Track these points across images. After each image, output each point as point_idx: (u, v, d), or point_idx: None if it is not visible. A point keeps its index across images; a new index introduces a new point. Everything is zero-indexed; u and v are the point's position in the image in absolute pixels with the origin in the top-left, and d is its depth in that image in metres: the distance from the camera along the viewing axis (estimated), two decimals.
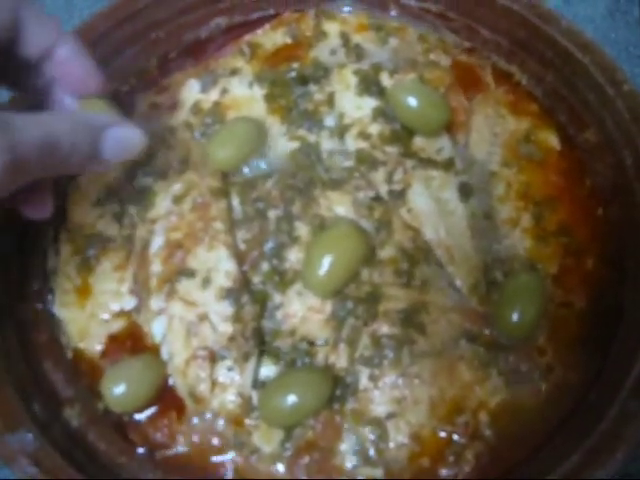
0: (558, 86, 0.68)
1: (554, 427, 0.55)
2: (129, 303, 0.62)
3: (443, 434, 0.55)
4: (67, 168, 0.49)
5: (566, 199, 0.64)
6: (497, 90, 0.70)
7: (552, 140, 0.67)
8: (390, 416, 0.55)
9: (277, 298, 0.58)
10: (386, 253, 0.59)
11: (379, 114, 0.65)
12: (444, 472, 0.54)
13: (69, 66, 0.55)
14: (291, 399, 0.54)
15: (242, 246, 0.60)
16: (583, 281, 0.61)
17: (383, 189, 0.62)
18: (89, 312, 0.62)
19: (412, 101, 0.62)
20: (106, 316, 0.62)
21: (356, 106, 0.66)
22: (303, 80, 0.68)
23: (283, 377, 0.56)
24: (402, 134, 0.64)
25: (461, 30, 0.72)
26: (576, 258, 0.62)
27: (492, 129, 0.67)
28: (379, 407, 0.55)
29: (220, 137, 0.64)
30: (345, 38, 0.72)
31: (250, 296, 0.58)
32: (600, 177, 0.64)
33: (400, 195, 0.61)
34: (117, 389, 0.57)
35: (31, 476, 0.51)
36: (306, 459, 0.56)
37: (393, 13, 0.74)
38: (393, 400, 0.55)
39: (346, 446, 0.55)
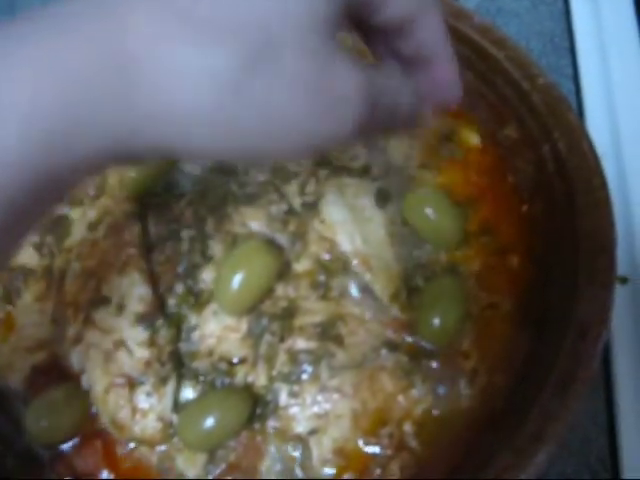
0: (477, 83, 0.67)
1: (481, 431, 0.54)
2: (50, 333, 0.61)
3: (368, 448, 0.54)
4: None
5: (489, 198, 0.63)
6: None
7: (473, 138, 0.66)
8: (312, 432, 0.54)
9: (193, 319, 0.58)
10: (301, 266, 0.58)
11: None
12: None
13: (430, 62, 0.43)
14: (210, 421, 0.53)
15: (157, 268, 0.60)
16: (509, 281, 0.60)
17: (296, 202, 0.61)
18: (13, 345, 0.61)
19: None
20: (29, 347, 0.61)
21: None
22: None
23: (201, 399, 0.55)
24: None
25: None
26: (501, 258, 0.61)
27: (411, 132, 0.66)
28: (300, 424, 0.54)
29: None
30: None
31: (165, 319, 0.57)
32: (522, 173, 0.63)
33: (313, 206, 0.60)
34: (41, 421, 0.56)
35: None
36: None
37: None
38: (314, 416, 0.54)
39: (269, 465, 0.54)
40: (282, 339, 0.56)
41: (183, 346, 0.58)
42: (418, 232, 0.60)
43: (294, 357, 0.55)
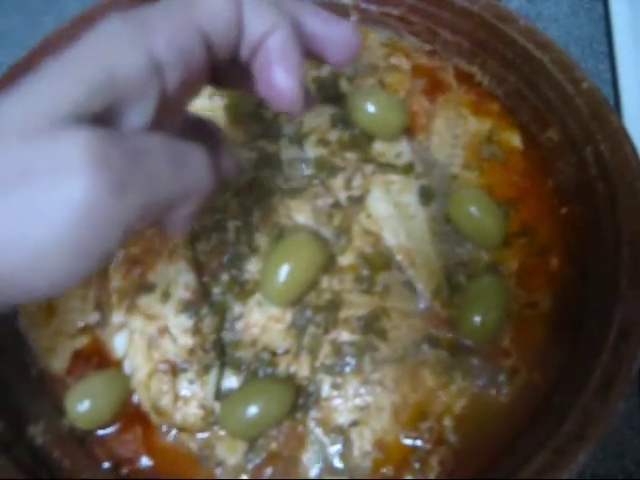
0: (519, 86, 0.67)
1: (519, 429, 0.55)
2: (93, 319, 0.62)
3: (407, 441, 0.55)
4: None
5: (529, 199, 0.64)
6: (458, 91, 0.70)
7: (515, 140, 0.67)
8: (353, 424, 0.55)
9: (237, 309, 0.58)
10: (346, 260, 0.59)
11: (338, 120, 0.64)
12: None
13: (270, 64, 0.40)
14: (253, 410, 0.54)
15: (202, 258, 0.60)
16: (548, 281, 0.60)
17: (342, 195, 0.62)
18: (54, 329, 0.62)
19: (370, 107, 0.62)
20: (71, 333, 0.62)
21: (314, 113, 0.66)
22: None
23: (244, 388, 0.56)
24: (361, 140, 0.64)
25: (422, 33, 0.72)
26: (540, 258, 0.61)
27: (453, 131, 0.66)
28: (342, 415, 0.55)
29: None
30: None
31: (210, 308, 0.58)
32: (563, 176, 0.64)
33: (359, 201, 0.61)
34: (81, 406, 0.57)
35: None
36: (270, 470, 0.55)
37: (353, 18, 0.74)
38: (356, 408, 0.55)
39: (310, 456, 0.55)
40: (326, 331, 0.56)
41: (226, 335, 0.58)
42: (461, 230, 0.61)
43: (338, 349, 0.56)
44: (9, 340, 0.61)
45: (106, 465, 0.57)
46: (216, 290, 0.59)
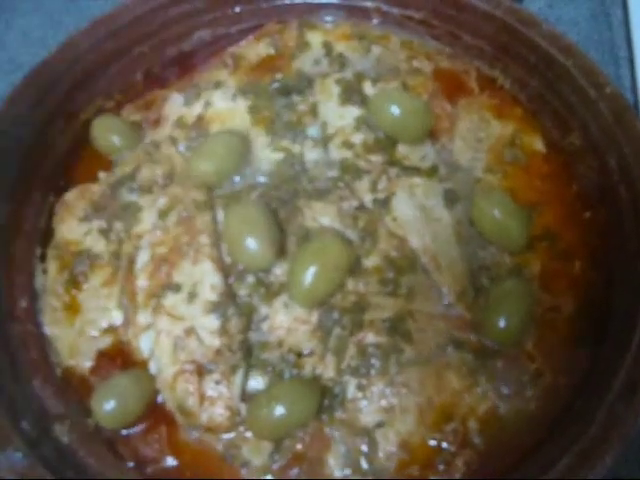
0: (542, 90, 0.68)
1: (544, 432, 0.55)
2: (117, 319, 0.62)
3: (432, 442, 0.55)
4: None
5: (551, 203, 0.64)
6: (481, 95, 0.70)
7: (537, 144, 0.67)
8: (379, 425, 0.55)
9: (263, 310, 0.58)
10: (371, 262, 0.59)
11: (362, 123, 0.65)
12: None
13: None
14: (279, 411, 0.54)
15: (228, 259, 0.60)
16: (571, 285, 0.61)
17: (367, 198, 0.62)
18: (78, 329, 0.62)
19: (394, 109, 0.62)
20: (95, 333, 0.62)
21: (339, 115, 0.66)
22: (286, 91, 0.69)
23: (271, 389, 0.56)
24: (385, 142, 0.64)
25: (443, 36, 0.73)
26: (563, 262, 0.62)
27: (476, 135, 0.67)
28: (367, 417, 0.55)
29: (203, 151, 0.64)
30: (328, 48, 0.73)
31: (236, 309, 0.58)
32: (586, 180, 0.64)
33: (384, 203, 0.61)
34: (107, 405, 0.57)
35: None
36: (295, 470, 0.56)
37: (375, 21, 0.74)
38: (381, 409, 0.55)
39: (335, 456, 0.55)
40: (352, 333, 0.57)
41: (253, 336, 0.58)
42: (485, 234, 0.61)
43: (363, 351, 0.56)
44: (32, 339, 0.62)
45: (130, 464, 0.57)
46: (242, 291, 0.59)
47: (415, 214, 0.61)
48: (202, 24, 0.75)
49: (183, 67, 0.75)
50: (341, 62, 0.71)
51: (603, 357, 0.56)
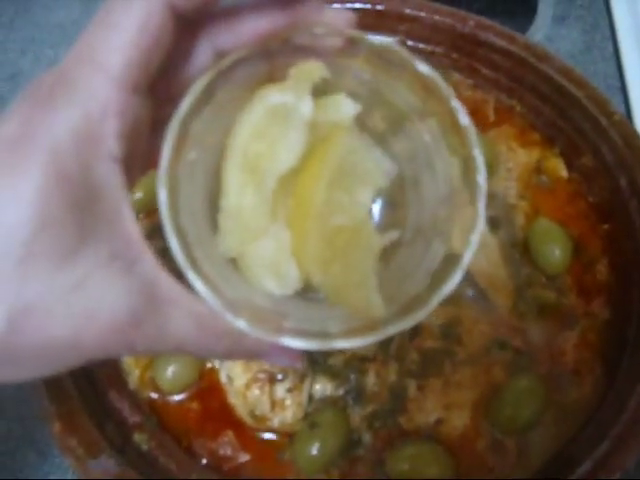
0: (555, 118, 0.76)
1: (584, 419, 0.62)
2: None
3: (485, 433, 0.61)
4: None
5: (576, 220, 0.72)
6: (504, 124, 0.77)
7: (560, 168, 0.75)
8: (438, 422, 0.61)
9: None
10: None
11: None
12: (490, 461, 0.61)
13: None
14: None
15: None
16: (599, 290, 0.68)
17: None
18: None
19: None
20: None
21: None
22: None
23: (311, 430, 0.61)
24: None
25: (464, 69, 0.80)
26: (590, 270, 0.69)
27: (506, 164, 0.74)
28: (427, 415, 0.61)
29: None
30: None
31: None
32: (599, 197, 0.72)
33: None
34: (168, 370, 0.63)
35: None
36: (358, 467, 0.61)
37: None
38: (440, 407, 0.61)
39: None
40: (411, 339, 0.63)
41: None
42: (535, 260, 0.68)
43: (422, 355, 0.62)
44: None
45: (204, 461, 0.62)
46: None
47: None
48: None
49: None
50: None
51: (633, 350, 0.63)
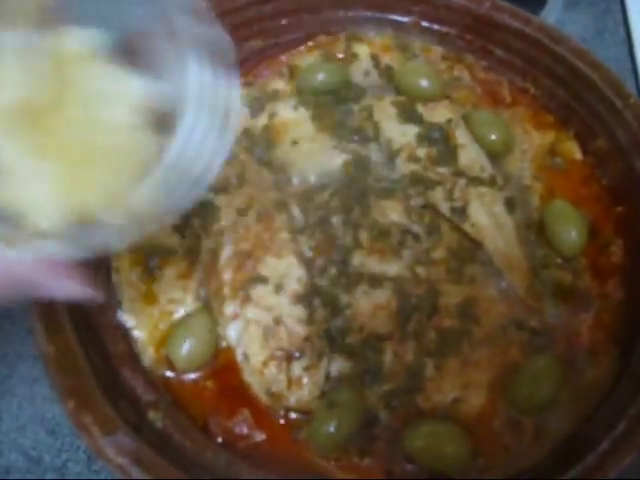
0: (569, 100, 0.76)
1: (600, 400, 0.62)
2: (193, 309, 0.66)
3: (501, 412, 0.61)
4: None
5: (590, 202, 0.72)
6: (519, 106, 0.77)
7: (575, 150, 0.75)
8: (455, 401, 0.61)
9: (344, 298, 0.63)
10: (438, 254, 0.66)
11: (423, 139, 0.71)
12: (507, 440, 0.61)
13: None
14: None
15: (308, 253, 0.65)
16: (613, 272, 0.68)
17: (444, 206, 0.68)
18: (157, 318, 0.65)
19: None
20: (172, 323, 0.65)
21: (401, 133, 0.72)
22: (343, 100, 0.74)
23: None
24: (447, 155, 0.71)
25: (478, 51, 0.80)
26: (605, 252, 0.69)
27: (520, 146, 0.74)
28: (445, 394, 0.61)
29: None
30: (375, 60, 0.78)
31: (321, 299, 0.63)
32: (614, 179, 0.72)
33: (462, 211, 0.68)
34: (184, 347, 0.62)
35: (135, 476, 0.54)
36: (377, 445, 0.60)
37: (415, 36, 0.81)
38: (457, 386, 0.61)
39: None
40: (429, 317, 0.63)
41: (335, 323, 0.63)
42: (550, 238, 0.68)
43: (440, 334, 0.62)
44: (116, 330, 0.64)
45: (220, 440, 0.61)
46: (323, 282, 0.64)
47: (488, 221, 0.67)
48: (253, 34, 0.79)
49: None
50: (389, 74, 0.77)
51: None
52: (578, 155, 0.74)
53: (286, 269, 0.63)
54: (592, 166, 0.74)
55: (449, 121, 0.72)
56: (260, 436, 0.62)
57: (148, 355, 0.64)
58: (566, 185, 0.73)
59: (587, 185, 0.73)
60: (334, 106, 0.74)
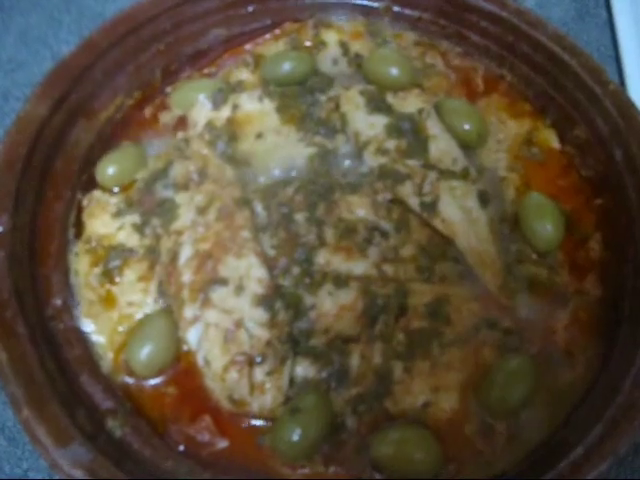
0: (547, 87, 0.73)
1: (576, 402, 0.59)
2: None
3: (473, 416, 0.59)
4: None
5: (568, 194, 0.69)
6: (494, 95, 0.74)
7: (552, 140, 0.72)
8: (425, 405, 0.58)
9: (309, 299, 0.61)
10: (407, 251, 0.63)
11: (392, 130, 0.68)
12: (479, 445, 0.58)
13: None
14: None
15: (271, 252, 0.63)
16: (591, 268, 0.66)
17: (413, 201, 0.65)
18: (116, 321, 0.63)
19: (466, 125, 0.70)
20: (132, 326, 0.63)
21: (369, 124, 0.69)
22: (310, 90, 0.71)
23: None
24: (418, 147, 0.68)
25: (452, 36, 0.76)
26: (583, 247, 0.67)
27: (496, 136, 0.72)
28: (414, 398, 0.58)
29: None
30: (344, 47, 0.75)
31: (283, 301, 0.60)
32: (594, 170, 0.69)
33: (432, 206, 0.65)
34: (143, 350, 0.60)
35: None
36: (342, 452, 0.58)
37: (387, 21, 0.77)
38: (427, 390, 0.59)
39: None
40: (397, 319, 0.60)
41: (299, 325, 0.60)
42: (525, 232, 0.66)
43: (409, 335, 0.60)
44: (73, 335, 0.62)
45: (181, 448, 0.59)
46: (286, 283, 0.61)
47: (459, 216, 0.64)
48: (218, 22, 0.76)
49: (200, 64, 0.76)
50: (358, 62, 0.74)
51: (625, 331, 0.61)
52: (556, 144, 0.71)
53: (247, 269, 0.61)
54: (571, 156, 0.71)
55: (420, 111, 0.69)
56: (223, 443, 0.59)
57: (107, 361, 0.62)
58: (543, 176, 0.70)
59: (565, 176, 0.70)
60: (301, 97, 0.71)
